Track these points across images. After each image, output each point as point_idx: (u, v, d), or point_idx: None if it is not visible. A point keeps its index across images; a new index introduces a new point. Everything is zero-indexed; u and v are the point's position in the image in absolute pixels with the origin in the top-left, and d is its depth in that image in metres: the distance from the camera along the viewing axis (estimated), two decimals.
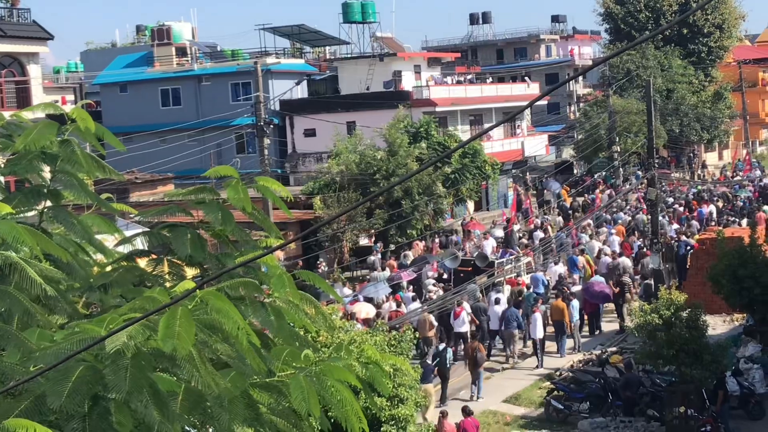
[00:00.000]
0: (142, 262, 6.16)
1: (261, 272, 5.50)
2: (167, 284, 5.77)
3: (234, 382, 4.70)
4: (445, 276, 33.89)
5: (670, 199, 49.65)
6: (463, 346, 26.83)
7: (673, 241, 35.63)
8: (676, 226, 41.10)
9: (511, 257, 35.12)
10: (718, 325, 27.95)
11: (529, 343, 28.59)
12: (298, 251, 37.96)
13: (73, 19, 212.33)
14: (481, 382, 24.94)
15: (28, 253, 4.72)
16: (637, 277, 33.36)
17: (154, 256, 6.15)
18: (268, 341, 5.33)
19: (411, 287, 31.69)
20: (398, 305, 28.64)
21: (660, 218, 38.28)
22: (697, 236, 34.66)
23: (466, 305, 28.01)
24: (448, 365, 24.35)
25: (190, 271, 6.09)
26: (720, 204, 48.08)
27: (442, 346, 25.10)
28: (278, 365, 5.00)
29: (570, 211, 49.45)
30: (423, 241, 41.43)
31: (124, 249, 6.29)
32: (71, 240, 5.63)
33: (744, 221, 40.68)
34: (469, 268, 32.54)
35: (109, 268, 5.98)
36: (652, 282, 30.82)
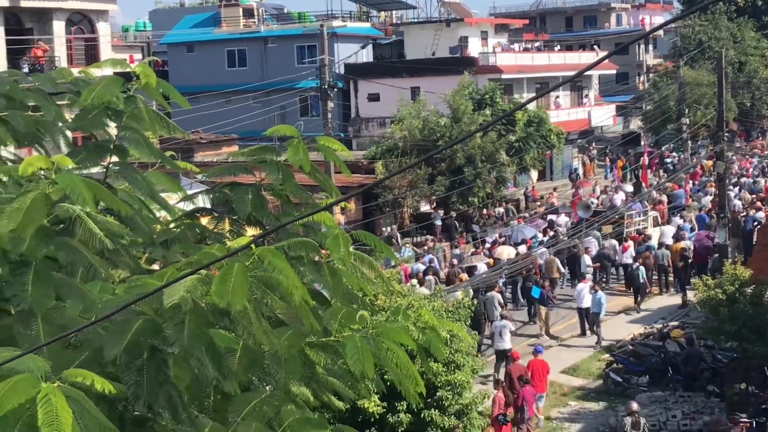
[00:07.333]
0: (204, 220, 6.19)
1: (321, 233, 5.49)
2: (227, 242, 5.80)
3: (290, 341, 4.71)
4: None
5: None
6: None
7: (740, 216, 35.01)
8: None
9: (638, 209, 37.45)
10: None
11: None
12: (359, 215, 38.06)
13: None
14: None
15: (93, 207, 4.75)
16: None
17: (215, 215, 6.17)
18: (325, 301, 5.33)
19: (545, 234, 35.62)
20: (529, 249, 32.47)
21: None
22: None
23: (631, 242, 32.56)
24: (641, 280, 29.42)
25: (251, 231, 6.11)
26: None
27: (635, 265, 30.09)
28: (334, 326, 4.99)
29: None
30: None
31: (187, 206, 6.33)
32: (135, 196, 5.65)
33: None
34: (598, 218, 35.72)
35: (172, 225, 6.01)
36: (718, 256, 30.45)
